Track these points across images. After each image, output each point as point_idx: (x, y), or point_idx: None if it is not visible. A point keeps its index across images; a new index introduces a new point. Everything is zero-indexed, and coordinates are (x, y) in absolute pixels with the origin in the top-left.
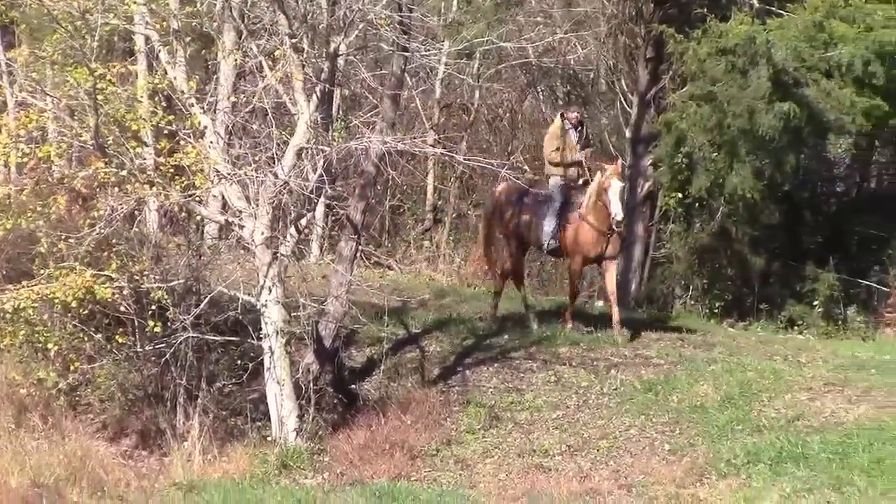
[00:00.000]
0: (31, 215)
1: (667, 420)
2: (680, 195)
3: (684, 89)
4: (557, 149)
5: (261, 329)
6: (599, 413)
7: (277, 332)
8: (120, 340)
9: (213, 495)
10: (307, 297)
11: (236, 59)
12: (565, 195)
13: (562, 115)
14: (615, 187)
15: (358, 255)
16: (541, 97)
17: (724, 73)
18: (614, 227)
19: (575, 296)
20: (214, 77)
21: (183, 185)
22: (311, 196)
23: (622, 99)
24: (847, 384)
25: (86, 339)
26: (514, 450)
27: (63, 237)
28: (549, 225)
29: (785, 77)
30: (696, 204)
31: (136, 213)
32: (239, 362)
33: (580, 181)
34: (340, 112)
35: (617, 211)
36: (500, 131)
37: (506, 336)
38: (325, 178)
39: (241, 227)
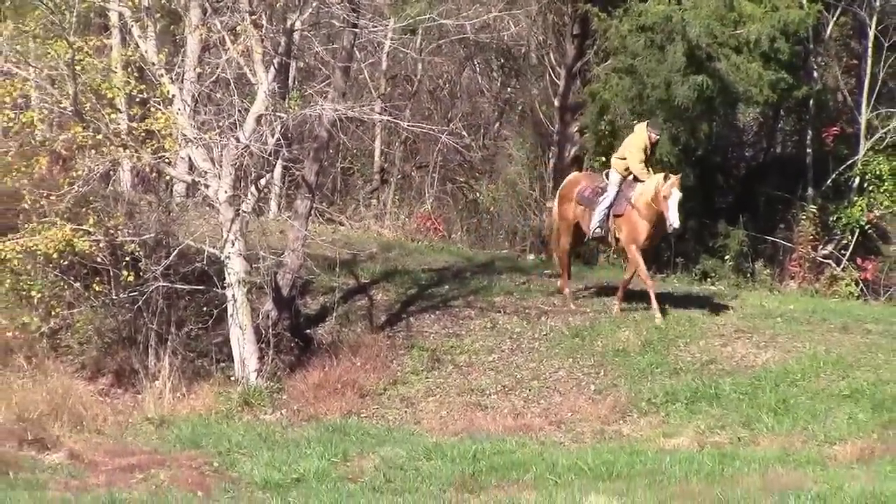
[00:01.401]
0: (15, 174)
1: (592, 363)
2: (604, 159)
3: (607, 63)
4: (642, 160)
5: (225, 279)
6: (531, 356)
7: (239, 282)
8: (97, 288)
9: (181, 429)
10: (266, 250)
11: (202, 34)
12: (619, 189)
13: (648, 132)
14: (675, 197)
15: (312, 212)
16: (477, 69)
17: (643, 49)
18: (669, 231)
19: (628, 280)
20: (182, 50)
21: (153, 148)
22: (270, 158)
23: (551, 71)
24: (755, 331)
25: (66, 287)
26: (454, 389)
27: (45, 195)
28: (598, 215)
29: (698, 52)
30: None
31: (111, 173)
32: (205, 309)
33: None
34: (296, 82)
35: (674, 219)
36: (440, 100)
37: (446, 286)
38: (282, 142)
39: (207, 186)
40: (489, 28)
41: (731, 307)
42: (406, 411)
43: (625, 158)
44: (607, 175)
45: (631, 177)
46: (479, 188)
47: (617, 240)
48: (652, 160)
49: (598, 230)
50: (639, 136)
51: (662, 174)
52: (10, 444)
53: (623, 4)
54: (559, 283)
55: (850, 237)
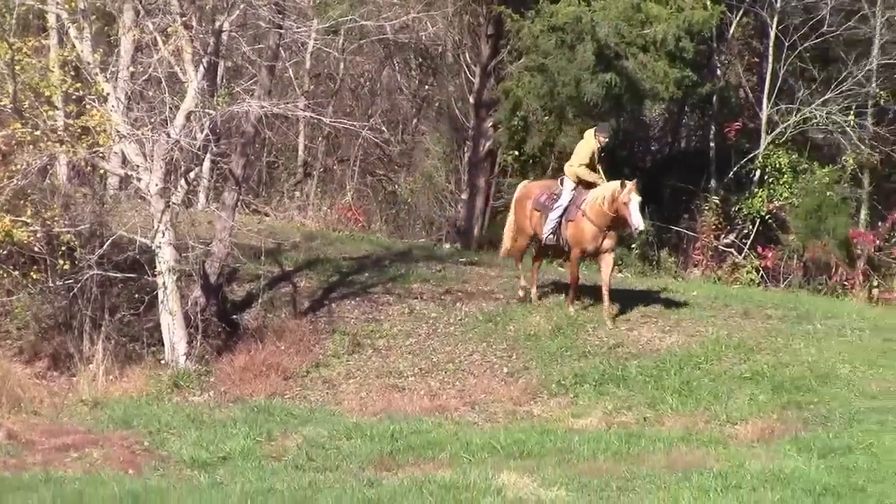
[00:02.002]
0: None
1: (505, 347)
2: (516, 153)
3: (520, 61)
4: (588, 166)
5: (155, 267)
6: (447, 340)
7: (170, 270)
8: (34, 277)
9: (114, 410)
10: (195, 240)
11: (134, 35)
12: (572, 196)
13: (596, 136)
14: (635, 201)
15: (239, 203)
16: (396, 68)
17: (554, 48)
18: (635, 235)
19: (576, 280)
20: (116, 50)
21: (89, 144)
22: (199, 153)
23: (466, 70)
24: (660, 316)
25: (5, 275)
26: (373, 372)
27: None
28: (551, 222)
29: (607, 51)
30: (531, 160)
31: (49, 167)
32: (137, 296)
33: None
34: (224, 81)
35: (638, 222)
36: (361, 98)
37: (366, 274)
38: (210, 137)
39: (139, 179)
40: (408, 29)
41: (639, 293)
42: (328, 393)
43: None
44: (562, 182)
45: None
46: (398, 181)
47: (567, 245)
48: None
49: (550, 237)
50: (587, 142)
51: (619, 181)
52: None
53: (535, 6)
54: (521, 282)
55: (750, 227)
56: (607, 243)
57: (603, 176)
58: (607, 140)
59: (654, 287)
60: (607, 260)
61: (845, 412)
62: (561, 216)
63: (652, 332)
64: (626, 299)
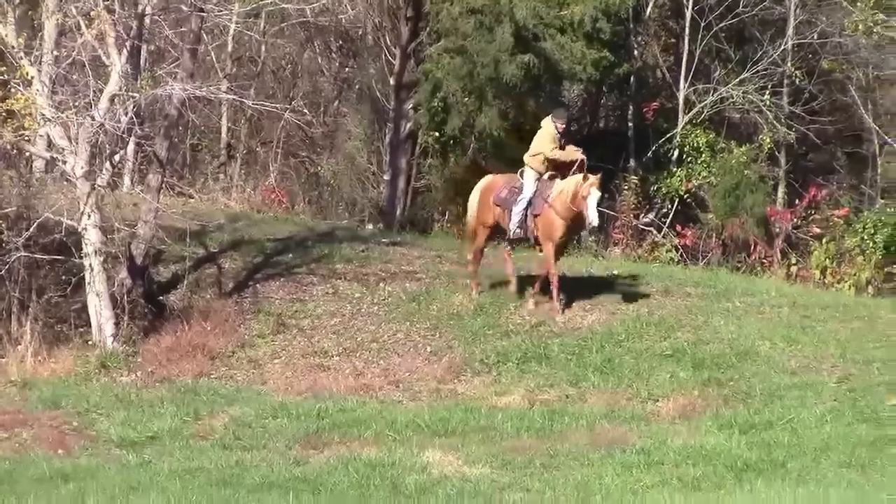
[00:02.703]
0: None
1: (428, 326)
2: (437, 134)
3: (440, 43)
4: (557, 147)
5: (82, 249)
6: (371, 320)
7: (96, 252)
8: None
9: (43, 391)
10: (121, 222)
11: (58, 19)
12: (536, 188)
13: (553, 121)
14: (594, 196)
15: (163, 185)
16: (317, 51)
17: (473, 30)
18: (587, 229)
19: (558, 279)
20: (40, 34)
21: (14, 127)
22: (123, 136)
23: (387, 52)
24: (582, 295)
25: None
26: (298, 351)
27: None
28: (516, 216)
29: (525, 33)
30: (451, 141)
31: None
32: (64, 278)
33: (547, 175)
34: (147, 64)
35: (593, 218)
36: (283, 80)
37: (290, 255)
38: (134, 120)
39: (64, 162)
40: (328, 11)
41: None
42: (253, 372)
43: (538, 154)
44: (522, 174)
45: (547, 175)
46: (320, 162)
47: (536, 238)
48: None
49: (518, 231)
50: (546, 129)
51: (581, 174)
52: None
53: None
54: (470, 281)
55: (669, 206)
56: (572, 235)
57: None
58: (564, 124)
59: (574, 266)
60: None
61: (765, 388)
62: (526, 209)
63: (573, 310)
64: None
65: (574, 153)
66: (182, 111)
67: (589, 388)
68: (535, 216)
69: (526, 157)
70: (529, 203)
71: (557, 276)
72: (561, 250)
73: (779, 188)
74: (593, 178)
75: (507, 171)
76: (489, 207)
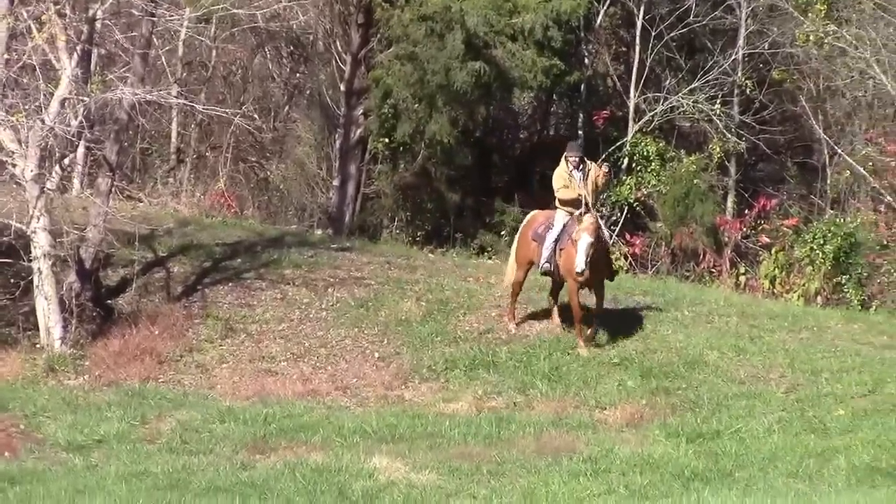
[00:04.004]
0: None
1: (376, 332)
2: (387, 140)
3: (390, 50)
4: (565, 187)
5: (31, 252)
6: (319, 325)
7: (45, 255)
8: None
9: None
10: (70, 226)
11: (9, 23)
12: (564, 225)
13: (566, 158)
14: (583, 241)
15: (113, 189)
16: (268, 56)
17: (424, 37)
18: (575, 277)
19: (580, 315)
20: None
21: None
22: (73, 139)
23: (337, 58)
24: (530, 303)
25: None
26: (246, 356)
27: None
28: (546, 251)
29: (476, 40)
30: (401, 147)
31: None
32: (12, 281)
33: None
34: (98, 68)
35: (579, 263)
36: (233, 85)
37: (238, 259)
38: (84, 124)
39: (14, 165)
40: (279, 17)
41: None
42: (201, 377)
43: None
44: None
45: (577, 212)
46: (270, 167)
47: (561, 276)
48: (593, 186)
49: (546, 265)
50: (559, 168)
51: (584, 213)
52: None
53: None
54: (507, 315)
55: (619, 214)
56: (596, 276)
57: (586, 192)
58: (578, 157)
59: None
60: (598, 290)
61: (713, 398)
62: (554, 245)
63: (521, 318)
64: (496, 285)
65: (575, 191)
66: (132, 115)
67: (536, 396)
68: (561, 251)
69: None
70: (557, 238)
71: (579, 312)
72: (590, 286)
73: (728, 197)
74: (586, 223)
75: (454, 180)
76: (528, 242)
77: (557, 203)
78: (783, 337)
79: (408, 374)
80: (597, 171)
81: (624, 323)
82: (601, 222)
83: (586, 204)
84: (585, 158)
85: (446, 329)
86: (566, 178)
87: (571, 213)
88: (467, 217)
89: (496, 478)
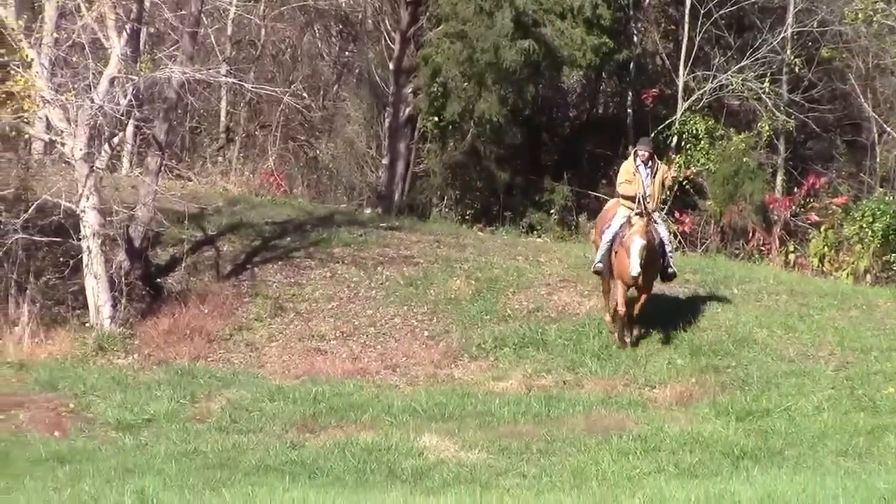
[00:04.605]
0: None
1: (426, 311)
2: (436, 119)
3: (439, 28)
4: (627, 182)
5: (80, 231)
6: (368, 304)
7: (94, 234)
8: None
9: (40, 372)
10: (119, 205)
11: (59, 1)
12: (621, 226)
13: (635, 153)
14: (636, 245)
15: (162, 168)
16: (317, 34)
17: (473, 15)
18: (628, 281)
19: (624, 316)
20: (40, 16)
21: (13, 109)
22: (122, 118)
23: (386, 36)
24: (579, 281)
25: None
26: (295, 335)
27: None
28: (602, 248)
29: (525, 18)
30: (450, 126)
31: None
32: (62, 260)
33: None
34: (147, 47)
35: (634, 266)
36: (282, 64)
37: (288, 238)
38: (133, 102)
39: (63, 144)
40: None
41: (556, 258)
42: (250, 356)
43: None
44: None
45: (632, 213)
46: (319, 146)
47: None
48: (659, 186)
49: (599, 265)
50: (627, 161)
51: (634, 214)
52: None
53: None
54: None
55: (669, 193)
56: (643, 280)
57: (649, 191)
58: (647, 152)
59: (571, 251)
60: (641, 297)
61: (763, 376)
62: (610, 244)
63: (571, 296)
64: (545, 263)
65: (637, 187)
66: (181, 94)
67: (586, 374)
68: (615, 252)
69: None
70: (612, 240)
71: (622, 314)
72: (641, 289)
73: (777, 176)
74: (637, 225)
75: (503, 159)
76: (598, 234)
77: (622, 200)
78: (832, 315)
79: (457, 352)
80: (665, 171)
81: (673, 301)
82: (660, 223)
83: (645, 203)
84: (655, 156)
85: (496, 307)
86: (631, 174)
87: (632, 210)
88: (516, 195)
89: (546, 456)
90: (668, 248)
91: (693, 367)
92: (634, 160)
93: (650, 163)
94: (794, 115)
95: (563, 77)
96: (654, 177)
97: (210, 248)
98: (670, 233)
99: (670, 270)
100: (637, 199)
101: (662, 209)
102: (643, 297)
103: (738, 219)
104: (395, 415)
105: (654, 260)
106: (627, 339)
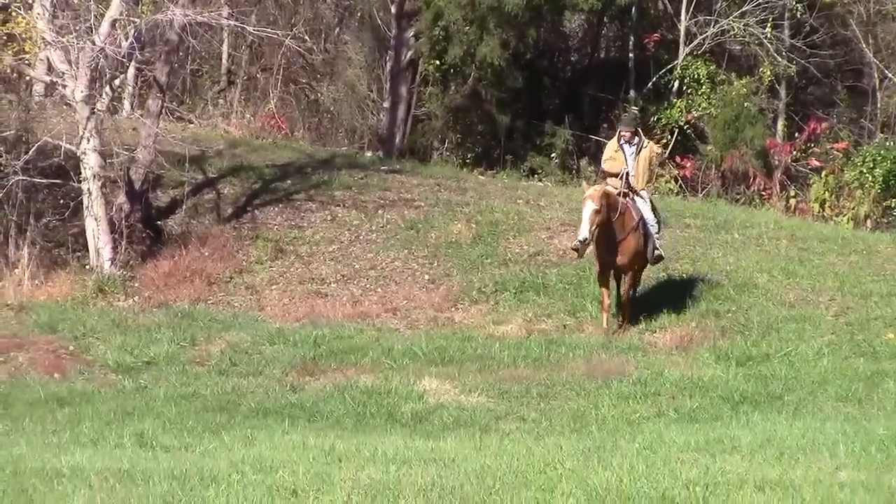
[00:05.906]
0: None
1: (426, 254)
2: (437, 62)
3: None
4: (611, 158)
5: (81, 173)
6: (369, 247)
7: (95, 176)
8: None
9: (39, 315)
10: (120, 147)
11: None
12: None
13: (619, 133)
14: (587, 209)
15: (163, 111)
16: None
17: None
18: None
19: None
20: None
21: (14, 51)
22: (124, 60)
23: None
24: (580, 225)
25: None
26: (296, 278)
27: None
28: (583, 222)
29: None
30: (452, 70)
31: None
32: (62, 202)
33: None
34: None
35: (582, 231)
36: (284, 6)
37: (289, 181)
38: (135, 45)
39: (64, 86)
40: None
41: (556, 202)
42: (251, 298)
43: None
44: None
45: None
46: (321, 89)
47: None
48: (646, 164)
49: (586, 237)
50: (612, 139)
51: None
52: None
53: None
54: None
55: (669, 137)
56: (620, 258)
57: (631, 170)
58: (631, 131)
59: (572, 195)
60: (624, 280)
61: (763, 321)
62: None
63: (572, 240)
64: (546, 207)
65: (619, 164)
66: (183, 37)
67: (587, 319)
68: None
69: None
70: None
71: (605, 297)
72: (624, 271)
73: (778, 121)
74: (590, 189)
75: (505, 102)
76: None
77: (607, 178)
78: (833, 260)
79: (457, 296)
80: (652, 150)
81: (674, 246)
82: (644, 202)
83: (627, 181)
84: (641, 134)
85: (496, 251)
86: (614, 151)
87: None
88: (517, 139)
89: (546, 400)
90: (652, 230)
91: (693, 312)
92: (619, 140)
93: (635, 140)
94: (795, 60)
95: (564, 21)
96: (638, 154)
97: (211, 191)
98: (658, 214)
99: (657, 253)
100: (620, 176)
101: (652, 191)
102: (627, 280)
103: (739, 164)
104: (395, 358)
105: (624, 238)
106: (605, 325)
